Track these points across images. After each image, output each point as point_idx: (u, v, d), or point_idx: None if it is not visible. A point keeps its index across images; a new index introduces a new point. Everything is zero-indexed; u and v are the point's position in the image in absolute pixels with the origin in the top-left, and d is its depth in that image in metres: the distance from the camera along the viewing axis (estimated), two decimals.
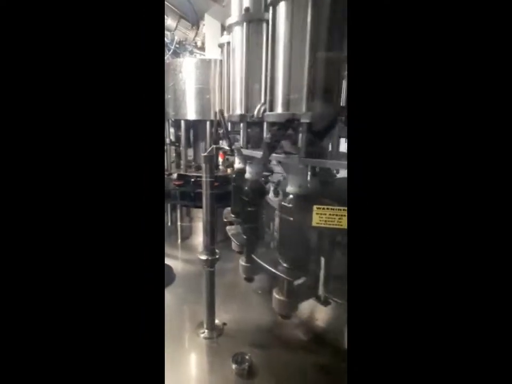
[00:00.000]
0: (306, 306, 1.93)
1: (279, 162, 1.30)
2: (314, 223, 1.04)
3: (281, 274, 1.29)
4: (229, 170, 3.12)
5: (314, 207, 1.02)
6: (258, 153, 1.40)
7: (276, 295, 1.38)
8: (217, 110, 2.55)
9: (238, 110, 1.53)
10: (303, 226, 1.22)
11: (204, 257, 1.70)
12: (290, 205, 1.25)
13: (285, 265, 1.33)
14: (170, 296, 2.23)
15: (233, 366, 1.55)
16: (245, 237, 1.65)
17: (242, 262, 1.75)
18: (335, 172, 1.72)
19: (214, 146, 1.62)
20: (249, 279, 1.81)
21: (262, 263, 1.44)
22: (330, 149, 1.26)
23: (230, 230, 1.81)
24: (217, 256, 1.73)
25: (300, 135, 1.13)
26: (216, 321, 1.88)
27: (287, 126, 1.10)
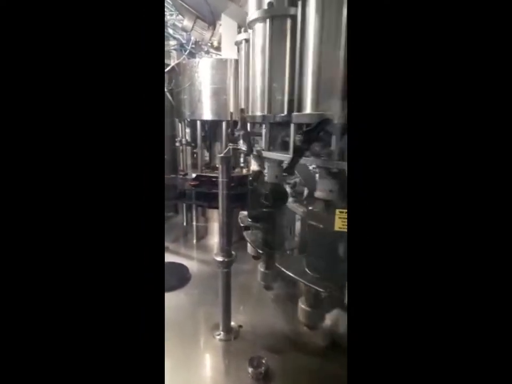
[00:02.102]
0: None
1: (317, 167, 1.20)
2: (336, 228, 1.00)
3: (311, 285, 1.20)
4: (244, 171, 3.12)
5: (337, 211, 0.99)
6: (279, 156, 1.35)
7: (302, 305, 1.33)
8: (232, 110, 2.55)
9: (259, 110, 1.44)
10: (332, 234, 1.14)
11: (220, 258, 1.69)
12: (319, 211, 1.17)
13: (314, 274, 1.24)
14: (186, 297, 2.23)
15: (250, 370, 1.53)
16: (265, 245, 1.58)
17: (261, 268, 1.70)
18: None
19: (231, 146, 1.60)
20: (268, 287, 1.78)
21: (289, 273, 1.34)
22: None
23: (248, 235, 1.74)
24: (233, 258, 1.71)
25: (334, 136, 1.05)
26: (232, 323, 1.86)
27: (320, 127, 1.01)
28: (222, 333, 1.81)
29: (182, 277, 2.42)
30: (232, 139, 1.72)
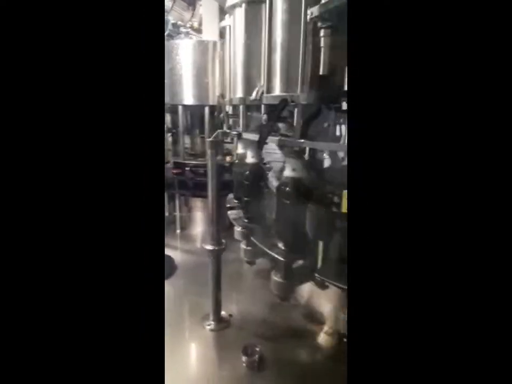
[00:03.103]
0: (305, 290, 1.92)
1: (281, 146, 1.31)
2: (344, 210, 0.98)
3: (277, 256, 1.32)
4: (228, 158, 3.04)
5: (345, 192, 0.97)
6: (255, 137, 1.40)
7: (273, 277, 1.39)
8: (217, 94, 2.46)
9: (239, 94, 1.51)
10: (299, 209, 1.27)
11: (209, 247, 1.63)
12: (287, 189, 1.28)
13: (282, 247, 1.36)
14: (172, 288, 2.17)
15: (244, 358, 1.50)
16: (245, 220, 1.69)
17: (243, 245, 1.77)
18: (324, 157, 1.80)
19: (220, 131, 1.53)
20: (250, 263, 1.84)
21: (260, 245, 1.49)
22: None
23: (231, 214, 1.86)
24: (223, 246, 1.66)
25: (296, 117, 1.13)
26: (222, 312, 1.82)
27: (280, 107, 1.10)
28: (212, 323, 1.77)
29: (168, 267, 2.34)
30: (218, 123, 1.68)
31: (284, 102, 1.11)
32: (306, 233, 1.34)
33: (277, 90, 1.26)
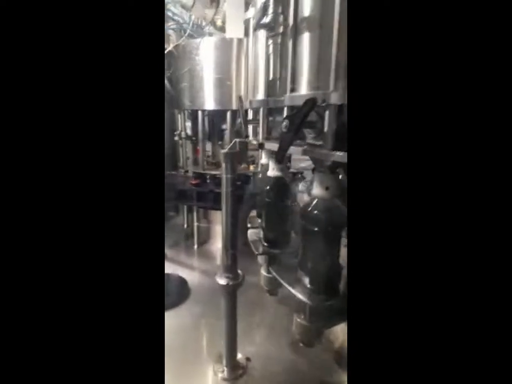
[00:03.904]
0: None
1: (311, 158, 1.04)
2: None
3: (301, 297, 1.03)
4: (251, 167, 2.76)
5: None
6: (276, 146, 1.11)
7: (296, 318, 1.12)
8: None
9: (260, 95, 1.26)
10: (331, 240, 1.03)
11: (223, 281, 1.34)
12: (315, 212, 1.00)
13: (307, 284, 1.07)
14: (185, 316, 1.90)
15: None
16: (265, 244, 1.36)
17: (263, 271, 1.45)
18: None
19: (237, 140, 1.25)
20: (271, 292, 1.51)
21: (278, 278, 1.19)
22: None
23: (251, 234, 1.53)
24: (240, 280, 1.37)
25: (327, 121, 0.88)
26: (239, 355, 1.52)
27: (306, 109, 0.85)
28: (225, 369, 1.47)
29: (180, 292, 2.08)
30: (239, 131, 1.40)
31: (310, 103, 0.86)
32: (339, 269, 1.06)
33: (304, 88, 1.00)
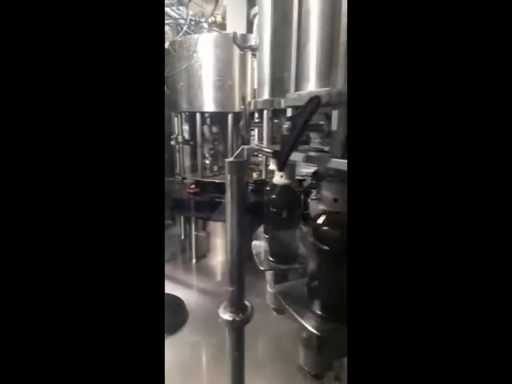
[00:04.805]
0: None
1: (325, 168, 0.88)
2: None
3: (308, 327, 0.90)
4: (254, 175, 2.55)
5: None
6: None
7: (303, 347, 0.99)
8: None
9: (265, 95, 1.13)
10: (343, 261, 0.78)
11: (228, 316, 1.12)
12: (324, 228, 0.86)
13: (316, 310, 0.94)
14: (180, 347, 1.67)
15: None
16: (271, 259, 1.19)
17: (269, 288, 1.28)
18: None
19: (246, 147, 1.04)
20: (278, 311, 1.30)
21: (283, 301, 1.03)
22: None
23: (256, 247, 1.35)
24: (248, 314, 1.14)
25: (333, 122, 0.78)
26: None
27: (309, 108, 0.75)
28: None
29: (176, 315, 1.85)
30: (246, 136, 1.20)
31: (315, 101, 0.75)
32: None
33: (310, 85, 0.88)
